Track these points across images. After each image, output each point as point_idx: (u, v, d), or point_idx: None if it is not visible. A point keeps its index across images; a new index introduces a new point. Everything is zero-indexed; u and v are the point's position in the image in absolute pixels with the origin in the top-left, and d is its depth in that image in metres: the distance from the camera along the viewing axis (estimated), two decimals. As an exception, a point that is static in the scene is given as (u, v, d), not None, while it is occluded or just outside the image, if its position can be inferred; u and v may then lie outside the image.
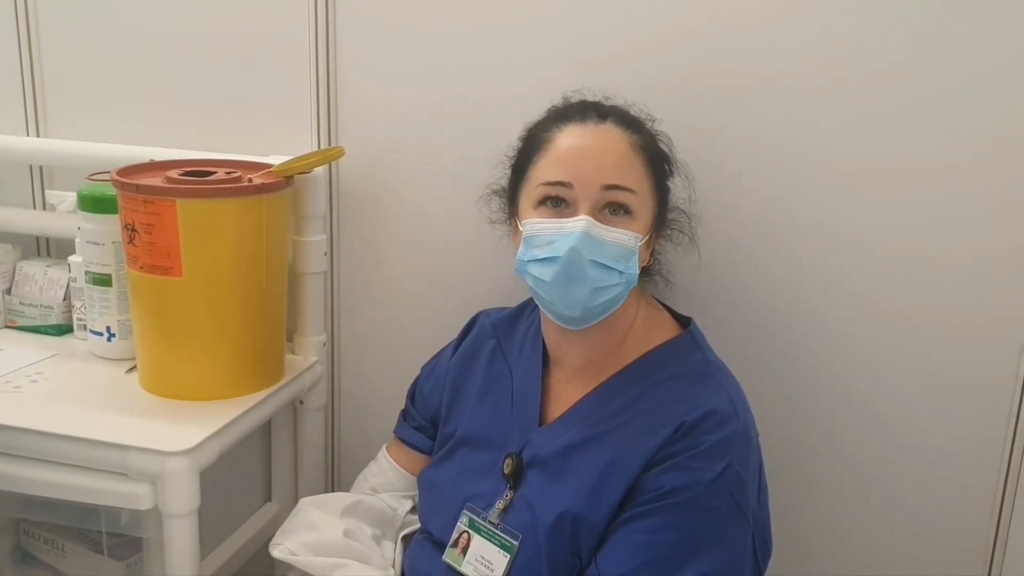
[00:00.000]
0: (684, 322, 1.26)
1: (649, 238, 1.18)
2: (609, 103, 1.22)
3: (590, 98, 1.23)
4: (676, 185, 1.26)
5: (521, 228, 1.17)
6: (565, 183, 1.13)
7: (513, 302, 1.37)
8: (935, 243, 1.33)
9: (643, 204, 1.15)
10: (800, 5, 1.30)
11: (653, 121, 1.23)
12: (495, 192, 1.30)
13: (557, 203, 1.14)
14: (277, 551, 1.24)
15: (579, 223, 1.10)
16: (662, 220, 1.21)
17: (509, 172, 1.24)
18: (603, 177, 1.12)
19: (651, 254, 1.23)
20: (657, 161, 1.19)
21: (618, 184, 1.12)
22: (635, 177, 1.14)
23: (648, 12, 1.36)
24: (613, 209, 1.13)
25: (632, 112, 1.22)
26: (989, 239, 1.31)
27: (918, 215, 1.32)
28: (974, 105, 1.27)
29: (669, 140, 1.24)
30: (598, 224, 1.11)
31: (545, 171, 1.15)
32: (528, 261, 1.14)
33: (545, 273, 1.12)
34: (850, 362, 1.40)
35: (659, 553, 1.07)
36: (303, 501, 1.32)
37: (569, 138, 1.16)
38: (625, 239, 1.12)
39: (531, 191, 1.17)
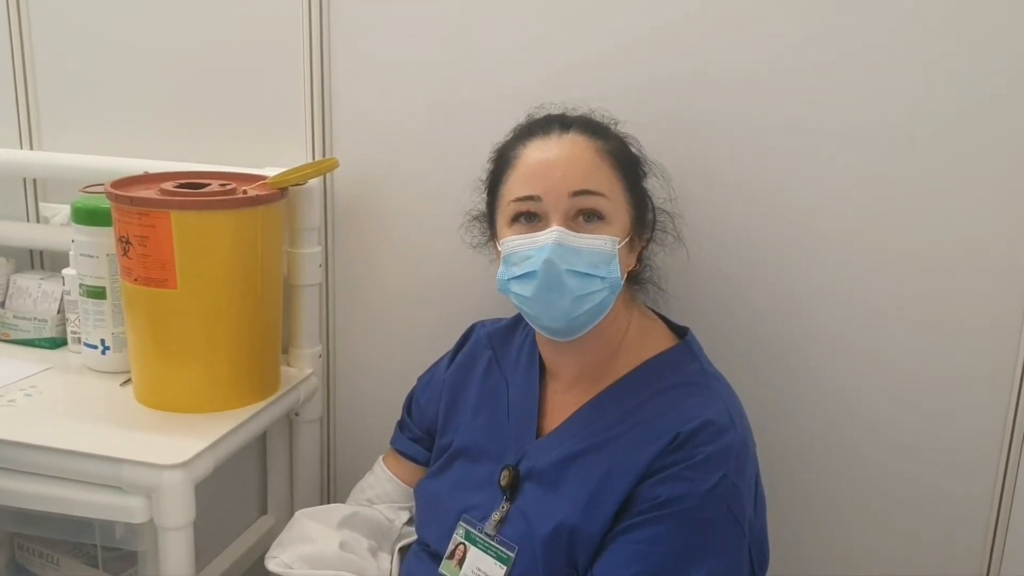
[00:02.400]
0: (681, 332, 1.26)
1: (631, 242, 1.18)
2: (574, 113, 1.22)
3: (553, 111, 1.24)
4: (654, 185, 1.26)
5: (499, 247, 1.17)
6: (534, 196, 1.13)
7: (509, 313, 1.37)
8: (929, 240, 1.32)
9: (617, 207, 1.15)
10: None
11: (617, 124, 1.23)
12: (475, 218, 1.30)
13: (530, 218, 1.14)
14: (272, 564, 1.24)
15: (551, 234, 1.11)
16: (642, 222, 1.21)
17: (485, 195, 1.25)
18: (570, 185, 1.12)
19: (638, 260, 1.23)
20: (627, 164, 1.19)
21: (587, 189, 1.12)
22: (603, 181, 1.14)
23: (637, 15, 1.36)
24: (587, 216, 1.13)
25: (595, 118, 1.22)
26: (984, 237, 1.31)
27: (912, 210, 1.32)
28: (964, 97, 1.27)
29: (638, 142, 1.24)
30: (570, 233, 1.11)
31: (514, 188, 1.16)
32: (508, 280, 1.15)
33: (525, 289, 1.12)
34: (844, 364, 1.40)
35: (655, 563, 1.07)
36: (299, 513, 1.32)
37: (535, 152, 1.16)
38: (600, 244, 1.12)
39: (504, 210, 1.17)
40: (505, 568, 1.14)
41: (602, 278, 1.12)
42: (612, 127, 1.23)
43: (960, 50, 1.26)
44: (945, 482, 1.40)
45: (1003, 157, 1.28)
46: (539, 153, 1.16)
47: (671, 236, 1.29)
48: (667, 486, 1.08)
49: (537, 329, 1.20)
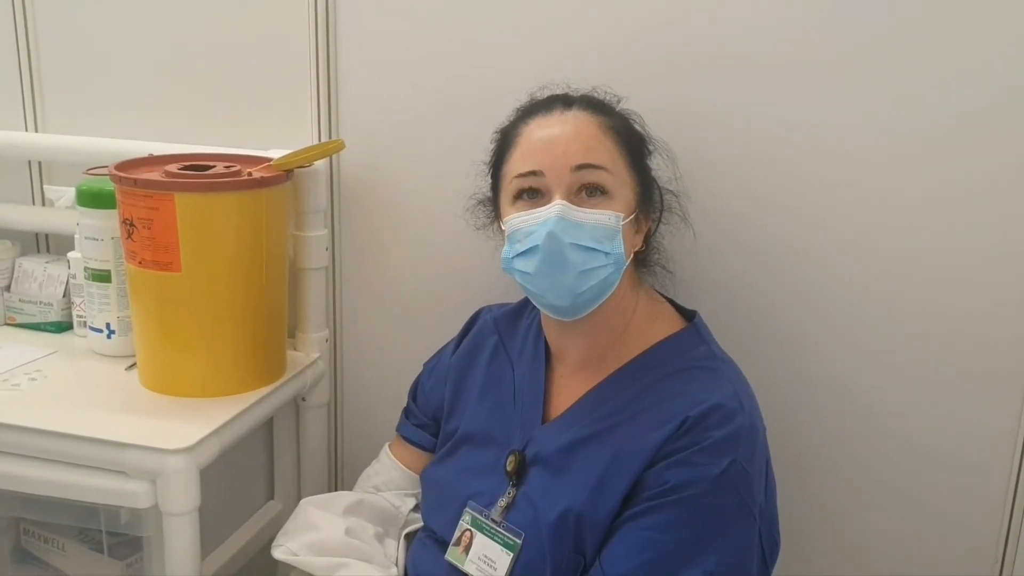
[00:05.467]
0: (689, 316, 1.25)
1: (636, 220, 1.17)
2: (577, 93, 1.21)
3: (557, 91, 1.23)
4: (658, 165, 1.24)
5: (503, 226, 1.16)
6: (536, 172, 1.12)
7: (516, 297, 1.36)
8: (939, 226, 1.30)
9: (620, 183, 1.14)
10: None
11: (620, 101, 1.22)
12: (480, 201, 1.29)
13: (532, 194, 1.13)
14: (278, 552, 1.23)
15: (553, 208, 1.09)
16: (647, 200, 1.20)
17: (488, 176, 1.24)
18: (572, 159, 1.11)
19: (644, 240, 1.22)
20: (631, 140, 1.18)
21: (589, 163, 1.11)
22: (606, 156, 1.13)
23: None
24: (589, 191, 1.12)
25: (598, 96, 1.21)
26: (997, 227, 1.28)
27: (922, 195, 1.30)
28: (978, 88, 1.25)
29: (643, 120, 1.23)
30: (573, 207, 1.10)
31: (516, 164, 1.15)
32: (512, 258, 1.14)
33: (528, 265, 1.11)
34: (853, 348, 1.38)
35: (663, 550, 1.06)
36: (304, 501, 1.31)
37: (537, 129, 1.16)
38: (604, 219, 1.11)
39: (507, 187, 1.17)
40: (512, 555, 1.13)
41: (606, 253, 1.10)
42: (616, 105, 1.21)
43: (979, 39, 1.24)
44: (957, 475, 1.38)
45: (1018, 150, 1.25)
46: (542, 130, 1.15)
47: (677, 216, 1.28)
48: (676, 471, 1.07)
49: (542, 309, 1.18)
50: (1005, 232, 1.28)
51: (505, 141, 1.20)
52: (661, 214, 1.24)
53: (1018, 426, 1.33)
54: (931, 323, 1.34)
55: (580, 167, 1.11)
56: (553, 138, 1.13)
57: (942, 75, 1.26)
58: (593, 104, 1.18)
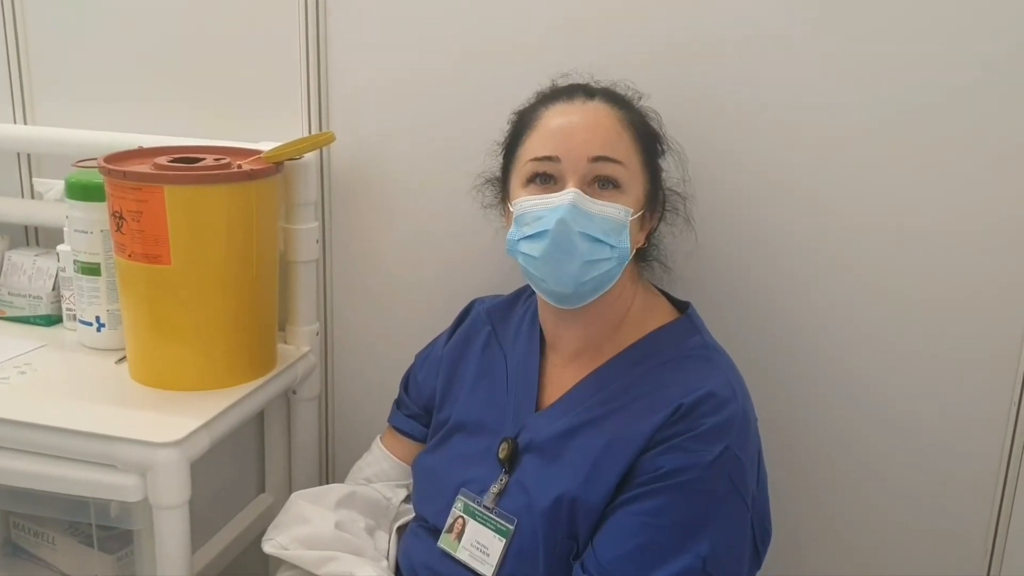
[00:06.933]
0: (682, 307, 1.25)
1: (642, 217, 1.17)
2: (599, 85, 1.21)
3: (579, 80, 1.23)
4: (669, 165, 1.25)
5: (512, 208, 1.16)
6: (552, 157, 1.12)
7: (508, 290, 1.36)
8: (937, 225, 1.30)
9: (633, 179, 1.14)
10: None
11: (641, 98, 1.22)
12: (488, 181, 1.29)
13: (546, 179, 1.13)
14: (268, 546, 1.23)
15: (567, 195, 1.10)
16: (655, 199, 1.20)
17: (501, 157, 1.24)
18: (590, 149, 1.11)
19: (647, 237, 1.22)
20: (647, 138, 1.18)
21: (606, 156, 1.12)
22: (623, 150, 1.13)
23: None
24: (602, 183, 1.12)
25: (619, 90, 1.21)
26: (994, 223, 1.28)
27: (920, 195, 1.30)
28: (981, 75, 1.25)
29: (659, 118, 1.23)
30: (586, 197, 1.10)
31: (533, 148, 1.15)
32: (518, 240, 1.14)
33: (535, 249, 1.11)
34: (849, 349, 1.38)
35: (656, 536, 1.06)
36: (295, 495, 1.31)
37: (557, 116, 1.16)
38: (614, 212, 1.11)
39: (520, 170, 1.16)
40: (504, 541, 1.13)
41: (612, 247, 1.11)
42: (635, 100, 1.22)
43: (977, 23, 1.24)
44: (947, 468, 1.38)
45: (1019, 137, 1.26)
46: (561, 117, 1.15)
47: (681, 218, 1.28)
48: (669, 457, 1.07)
49: (542, 294, 1.18)
50: (1000, 223, 1.28)
51: (522, 123, 1.20)
52: (663, 214, 1.24)
53: (1008, 416, 1.34)
54: (924, 314, 1.34)
55: (597, 159, 1.11)
56: (572, 126, 1.13)
57: (946, 69, 1.26)
58: (614, 97, 1.19)
